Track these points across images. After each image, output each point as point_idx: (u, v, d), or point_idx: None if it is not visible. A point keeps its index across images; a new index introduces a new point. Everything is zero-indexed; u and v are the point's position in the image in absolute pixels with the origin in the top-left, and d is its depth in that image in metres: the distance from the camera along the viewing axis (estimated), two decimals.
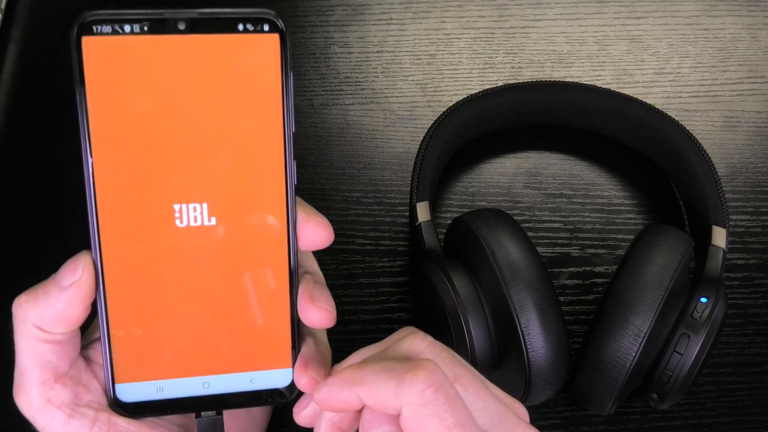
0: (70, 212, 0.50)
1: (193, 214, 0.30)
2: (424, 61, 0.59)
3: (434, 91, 0.58)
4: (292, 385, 0.32)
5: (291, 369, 0.32)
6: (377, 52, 0.60)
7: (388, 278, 0.51)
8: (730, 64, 0.61)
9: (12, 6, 0.60)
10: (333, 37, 0.60)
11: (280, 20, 0.29)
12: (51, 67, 0.58)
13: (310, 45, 0.60)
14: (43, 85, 0.57)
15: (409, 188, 0.50)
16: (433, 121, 0.50)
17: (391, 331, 0.49)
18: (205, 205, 0.30)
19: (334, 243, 0.52)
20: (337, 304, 0.49)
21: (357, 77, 0.59)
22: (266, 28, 0.29)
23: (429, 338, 0.30)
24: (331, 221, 0.53)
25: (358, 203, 0.54)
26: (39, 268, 0.50)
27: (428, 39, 0.61)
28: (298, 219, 0.32)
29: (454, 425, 0.26)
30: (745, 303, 0.51)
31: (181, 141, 0.29)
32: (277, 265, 0.31)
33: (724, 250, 0.46)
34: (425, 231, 0.45)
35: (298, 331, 0.32)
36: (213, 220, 0.30)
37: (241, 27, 0.28)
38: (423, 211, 0.46)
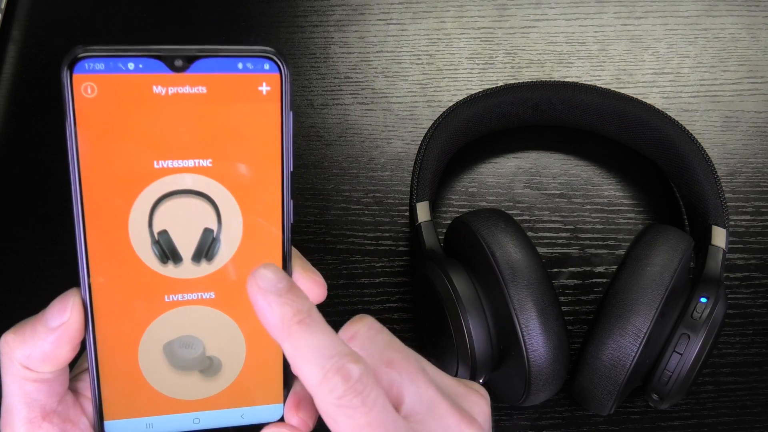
0: (70, 212, 0.50)
1: (187, 252, 0.29)
2: (424, 61, 0.59)
3: (434, 91, 0.58)
4: (282, 420, 0.32)
5: (282, 404, 0.32)
6: (377, 52, 0.60)
7: (388, 278, 0.51)
8: (730, 64, 0.61)
9: (12, 6, 0.60)
10: (333, 37, 0.60)
11: (280, 58, 0.28)
12: (51, 67, 0.58)
13: (310, 45, 0.60)
14: (43, 85, 0.57)
15: (409, 188, 0.50)
16: (433, 121, 0.50)
17: (390, 331, 0.49)
18: (198, 242, 0.29)
19: (334, 243, 0.53)
20: (337, 304, 0.50)
21: (357, 77, 0.59)
22: (266, 67, 0.28)
23: (368, 320, 0.30)
24: (331, 221, 0.54)
25: (358, 203, 0.54)
26: (38, 268, 0.50)
27: (428, 39, 0.61)
28: (294, 274, 0.31)
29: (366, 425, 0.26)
30: (745, 303, 0.51)
31: (176, 181, 0.28)
32: None
33: (724, 250, 0.46)
34: (425, 231, 0.45)
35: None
36: (207, 259, 0.30)
37: (240, 66, 0.28)
38: (423, 211, 0.46)
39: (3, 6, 0.59)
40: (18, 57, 0.58)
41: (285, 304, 0.27)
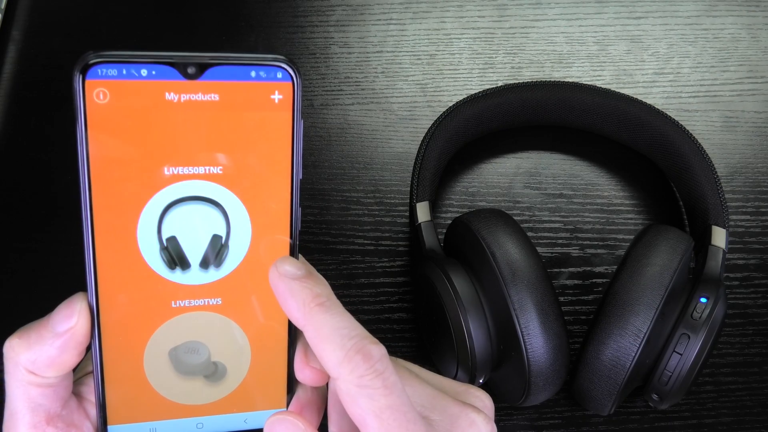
0: (69, 213, 0.50)
1: (195, 258, 0.29)
2: (424, 61, 0.59)
3: (434, 91, 0.58)
4: None
5: (285, 409, 0.32)
6: (377, 52, 0.60)
7: (388, 278, 0.51)
8: (730, 64, 0.61)
9: (12, 6, 0.60)
10: (333, 37, 0.60)
11: (293, 66, 0.28)
12: (51, 67, 0.58)
13: (310, 45, 0.60)
14: (43, 85, 0.57)
15: (409, 188, 0.50)
16: (433, 121, 0.50)
17: (391, 331, 0.49)
18: (206, 249, 0.29)
19: (334, 243, 0.53)
20: None
21: (357, 77, 0.59)
22: (279, 75, 0.28)
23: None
24: (331, 221, 0.54)
25: (358, 203, 0.54)
26: (40, 269, 0.50)
27: (428, 39, 0.61)
28: None
29: (386, 407, 0.26)
30: (745, 303, 0.51)
31: (186, 188, 0.28)
32: (277, 310, 0.31)
33: (723, 250, 0.46)
34: (425, 231, 0.45)
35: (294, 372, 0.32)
36: (215, 266, 0.30)
37: (254, 74, 0.28)
38: (423, 211, 0.46)
39: (3, 6, 0.59)
40: (18, 57, 0.58)
41: (305, 288, 0.28)
